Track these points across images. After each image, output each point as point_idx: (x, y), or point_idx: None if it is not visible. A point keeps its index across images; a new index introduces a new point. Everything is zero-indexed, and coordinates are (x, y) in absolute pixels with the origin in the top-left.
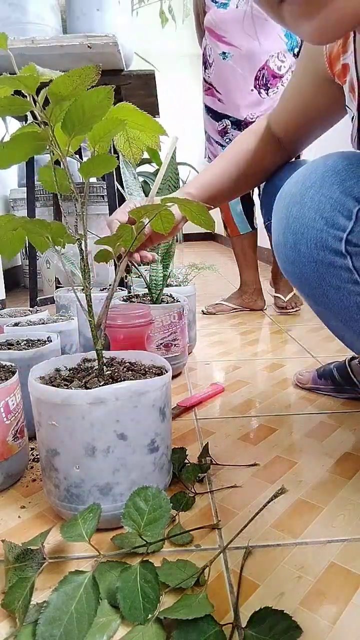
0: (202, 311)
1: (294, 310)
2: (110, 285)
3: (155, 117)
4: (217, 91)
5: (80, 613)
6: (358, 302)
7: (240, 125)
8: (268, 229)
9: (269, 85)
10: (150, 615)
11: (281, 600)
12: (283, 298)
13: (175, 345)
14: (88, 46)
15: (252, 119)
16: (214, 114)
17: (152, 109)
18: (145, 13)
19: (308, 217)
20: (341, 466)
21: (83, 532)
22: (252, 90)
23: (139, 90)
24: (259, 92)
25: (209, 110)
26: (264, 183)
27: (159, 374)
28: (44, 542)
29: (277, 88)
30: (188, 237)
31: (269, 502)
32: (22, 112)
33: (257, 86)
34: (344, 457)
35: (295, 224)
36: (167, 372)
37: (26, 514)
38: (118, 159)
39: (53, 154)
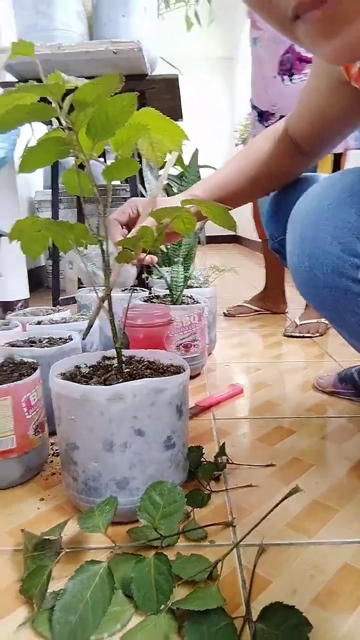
0: (224, 313)
1: (308, 336)
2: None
3: (178, 120)
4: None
5: (95, 601)
6: None
7: (263, 117)
8: (274, 249)
9: (293, 70)
10: (163, 606)
11: (293, 598)
12: (297, 322)
13: (194, 345)
14: (113, 52)
15: (273, 111)
16: (252, 103)
17: (176, 112)
18: (172, 16)
19: (324, 240)
20: (359, 470)
21: (100, 523)
22: (274, 76)
23: (163, 94)
24: (282, 79)
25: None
26: (272, 196)
27: (177, 373)
28: (62, 532)
29: (303, 74)
30: (211, 240)
31: (283, 500)
32: (48, 118)
33: (281, 72)
34: None
35: (311, 248)
36: (184, 371)
37: (45, 506)
38: (141, 162)
39: (77, 158)
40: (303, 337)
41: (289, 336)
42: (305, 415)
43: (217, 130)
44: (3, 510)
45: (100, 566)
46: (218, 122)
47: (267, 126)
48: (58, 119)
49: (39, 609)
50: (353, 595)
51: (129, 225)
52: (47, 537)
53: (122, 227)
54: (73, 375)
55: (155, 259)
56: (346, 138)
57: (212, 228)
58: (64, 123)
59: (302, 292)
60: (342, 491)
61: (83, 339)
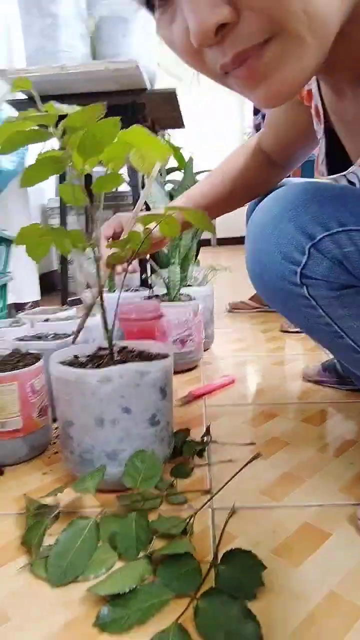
0: (227, 309)
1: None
2: (135, 287)
3: (180, 128)
4: None
5: (83, 549)
6: (318, 322)
7: None
8: None
9: None
10: (142, 553)
11: (255, 549)
12: None
13: (190, 340)
14: (112, 70)
15: None
16: (254, 107)
17: (176, 121)
18: None
19: (270, 250)
20: (331, 447)
21: (90, 486)
22: None
23: (163, 105)
24: None
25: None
26: (251, 203)
27: None
28: (59, 495)
29: None
30: (222, 242)
31: (247, 464)
32: (44, 140)
33: None
34: (335, 440)
35: (260, 256)
36: (168, 357)
37: (47, 479)
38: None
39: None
40: (298, 332)
41: (284, 331)
42: (289, 402)
43: (227, 134)
44: (10, 482)
45: (88, 521)
46: (227, 126)
47: None
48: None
49: (37, 556)
50: (308, 547)
51: (114, 238)
52: (45, 503)
53: (108, 240)
54: (71, 364)
55: (137, 268)
56: (314, 149)
57: (224, 230)
58: (58, 144)
59: (257, 292)
60: (311, 464)
61: (73, 342)
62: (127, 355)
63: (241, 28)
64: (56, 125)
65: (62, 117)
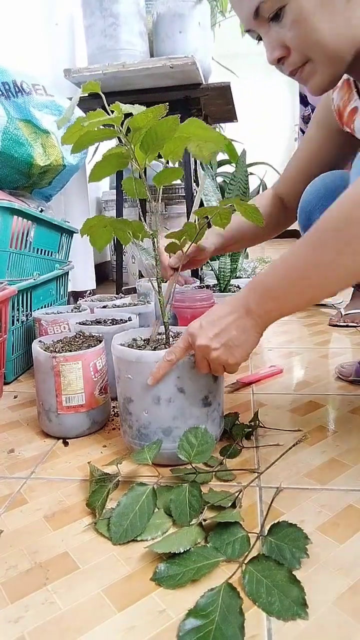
0: None
1: (353, 325)
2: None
3: (233, 121)
4: None
5: (142, 512)
6: None
7: None
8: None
9: None
10: (194, 520)
11: (301, 525)
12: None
13: None
14: (170, 67)
15: None
16: (301, 98)
17: (230, 114)
18: (229, 23)
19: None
20: None
21: (148, 456)
22: None
23: (217, 99)
24: None
25: (300, 93)
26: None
27: None
28: (119, 465)
29: None
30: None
31: (294, 445)
32: (110, 139)
33: None
34: None
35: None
36: None
37: (107, 451)
38: (195, 163)
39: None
40: (347, 326)
41: (333, 325)
42: (336, 393)
43: (278, 125)
44: (74, 452)
45: (147, 487)
46: (279, 118)
47: None
48: (119, 138)
49: (100, 516)
50: (352, 527)
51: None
52: (106, 472)
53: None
54: (130, 345)
55: (190, 280)
56: None
57: None
58: (123, 141)
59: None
60: (357, 451)
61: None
62: None
63: (291, 59)
64: (121, 124)
65: (125, 115)
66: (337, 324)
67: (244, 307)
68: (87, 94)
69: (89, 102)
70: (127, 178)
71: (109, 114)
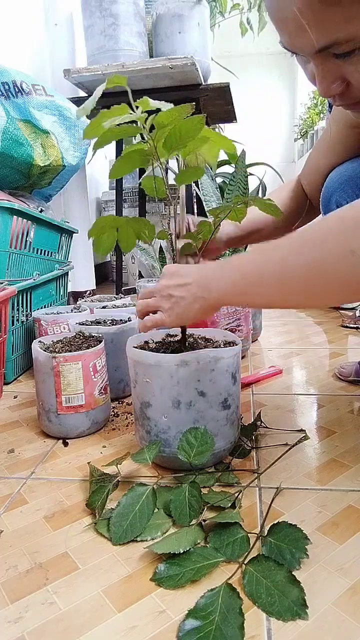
0: None
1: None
2: None
3: (232, 122)
4: None
5: (142, 512)
6: None
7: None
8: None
9: None
10: (194, 520)
11: (300, 526)
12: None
13: (239, 330)
14: (169, 67)
15: None
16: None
17: (229, 115)
18: (228, 22)
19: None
20: None
21: (147, 457)
22: None
23: (216, 100)
24: None
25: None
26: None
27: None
28: (119, 465)
29: None
30: None
31: (293, 445)
32: (133, 135)
33: None
34: None
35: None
36: (238, 344)
37: (106, 451)
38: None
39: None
40: (357, 328)
41: (344, 327)
42: (336, 394)
43: (277, 125)
44: (73, 452)
45: (147, 488)
46: (278, 117)
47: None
48: (141, 134)
49: (100, 517)
50: (351, 527)
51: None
52: (106, 472)
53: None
54: (142, 349)
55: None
56: None
57: None
58: (146, 138)
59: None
60: (356, 452)
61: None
62: (197, 341)
63: (349, 93)
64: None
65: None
66: (348, 325)
67: (204, 283)
68: (85, 94)
69: (107, 99)
70: (146, 176)
71: (133, 111)
